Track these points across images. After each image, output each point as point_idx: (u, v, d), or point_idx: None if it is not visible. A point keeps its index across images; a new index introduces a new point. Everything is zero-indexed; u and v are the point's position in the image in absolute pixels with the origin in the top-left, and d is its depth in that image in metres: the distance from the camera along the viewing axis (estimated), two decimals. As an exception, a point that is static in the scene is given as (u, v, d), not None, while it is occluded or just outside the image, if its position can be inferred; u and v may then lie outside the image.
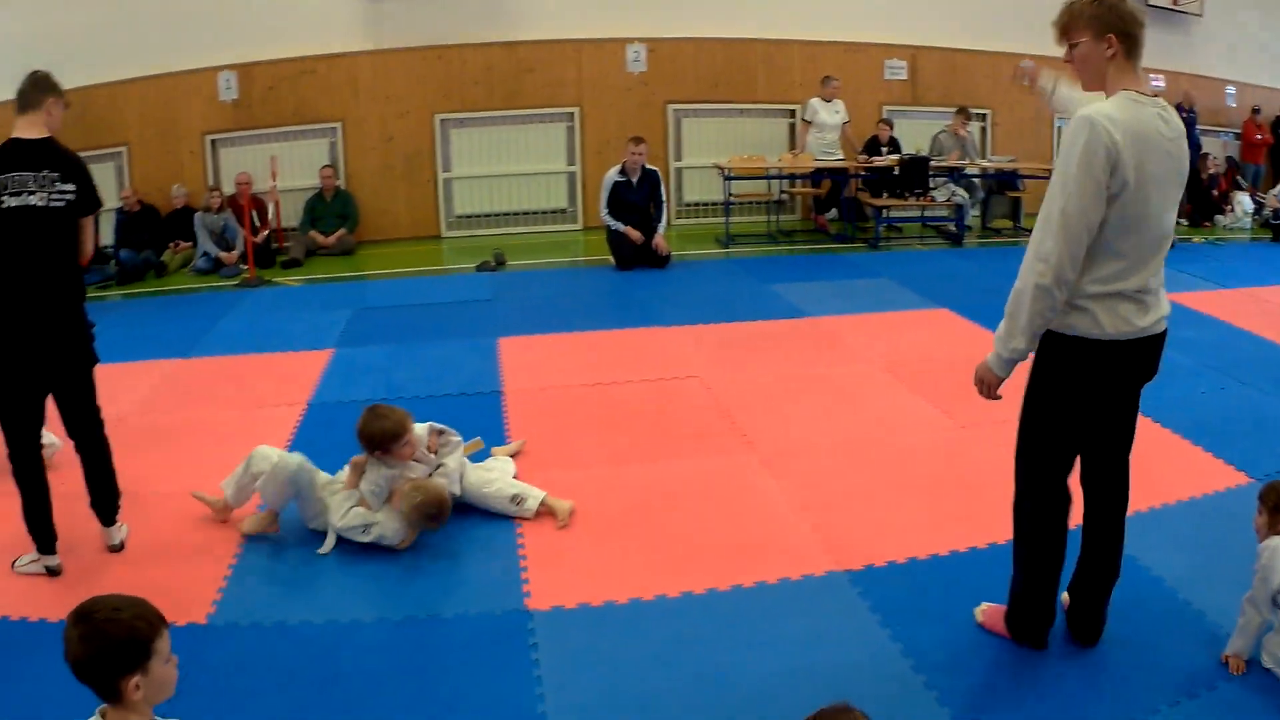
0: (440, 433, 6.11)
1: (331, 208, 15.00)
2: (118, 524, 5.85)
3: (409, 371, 8.88)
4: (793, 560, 5.13)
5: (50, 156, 5.30)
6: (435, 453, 6.05)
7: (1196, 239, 14.92)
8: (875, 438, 6.95)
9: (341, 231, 14.85)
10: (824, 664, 4.55)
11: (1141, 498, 5.77)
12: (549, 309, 10.98)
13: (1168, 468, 6.34)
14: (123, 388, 8.02)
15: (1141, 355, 4.19)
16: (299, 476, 5.79)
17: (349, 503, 5.76)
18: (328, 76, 15.30)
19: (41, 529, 5.49)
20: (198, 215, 14.06)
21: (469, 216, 16.21)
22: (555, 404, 7.86)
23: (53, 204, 5.27)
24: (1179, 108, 16.74)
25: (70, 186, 5.34)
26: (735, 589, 5.17)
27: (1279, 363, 8.71)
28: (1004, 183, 15.74)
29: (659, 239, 13.06)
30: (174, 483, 6.60)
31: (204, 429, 7.55)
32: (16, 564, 5.53)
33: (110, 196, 14.69)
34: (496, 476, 6.13)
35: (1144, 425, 6.79)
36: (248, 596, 5.29)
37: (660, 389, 8.21)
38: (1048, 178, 13.76)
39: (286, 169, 15.08)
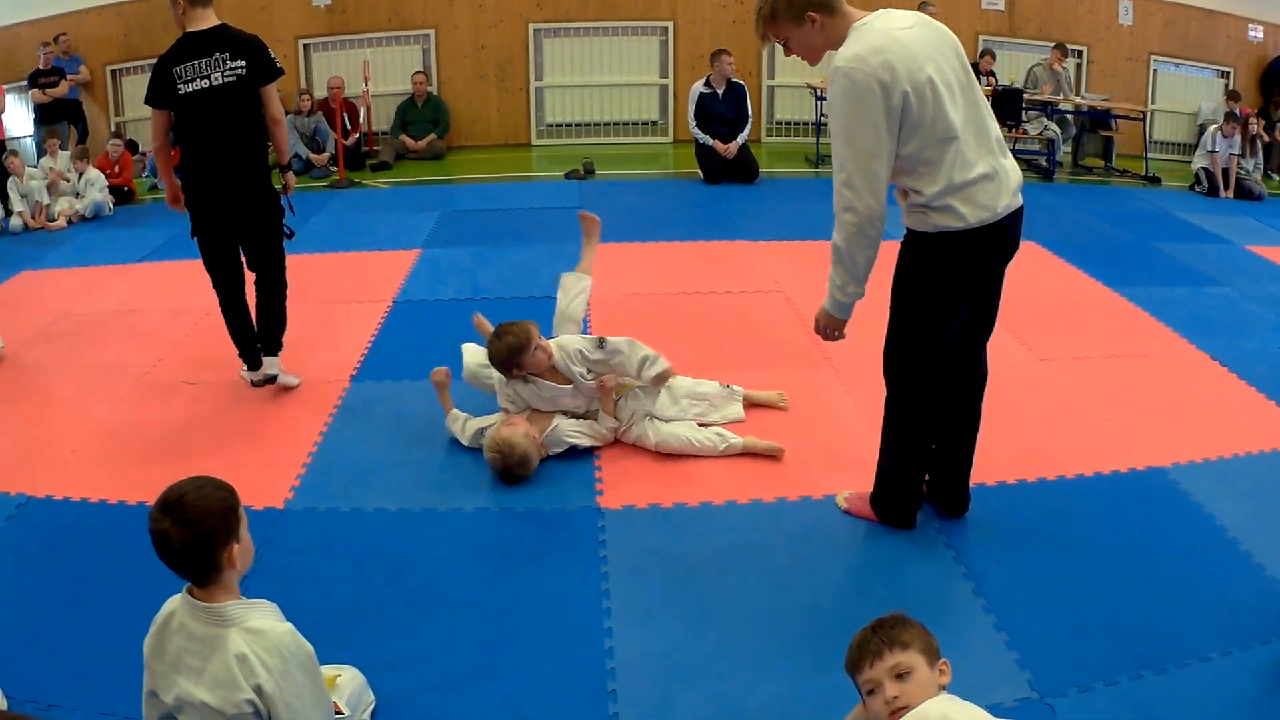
0: (600, 345, 5.74)
1: (423, 113, 15.09)
2: (279, 361, 6.65)
3: (494, 273, 8.94)
4: (863, 476, 5.10)
5: (219, 40, 5.99)
6: (612, 390, 5.76)
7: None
8: (952, 361, 6.85)
9: (432, 136, 14.97)
10: (886, 579, 4.60)
11: (1211, 446, 5.81)
12: (636, 219, 10.92)
13: (1240, 419, 6.24)
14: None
15: (1003, 235, 4.34)
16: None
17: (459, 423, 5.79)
18: (422, -17, 15.34)
19: (242, 346, 6.55)
20: (289, 117, 14.16)
21: (559, 125, 16.23)
22: (638, 311, 7.88)
23: (226, 80, 5.99)
24: (1278, 61, 16.42)
25: (240, 63, 6.02)
26: (804, 499, 5.21)
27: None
28: (1097, 121, 15.43)
29: (731, 145, 12.91)
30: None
31: (291, 322, 7.64)
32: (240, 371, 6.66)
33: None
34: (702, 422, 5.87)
35: (1219, 375, 6.89)
36: (325, 483, 5.41)
37: (742, 301, 8.21)
38: (1141, 118, 13.51)
39: (379, 74, 15.26)
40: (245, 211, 6.31)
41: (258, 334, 6.60)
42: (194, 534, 2.85)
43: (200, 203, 6.20)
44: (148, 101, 6.06)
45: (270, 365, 6.57)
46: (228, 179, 6.18)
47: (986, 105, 4.32)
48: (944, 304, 4.40)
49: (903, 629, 3.07)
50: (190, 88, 5.94)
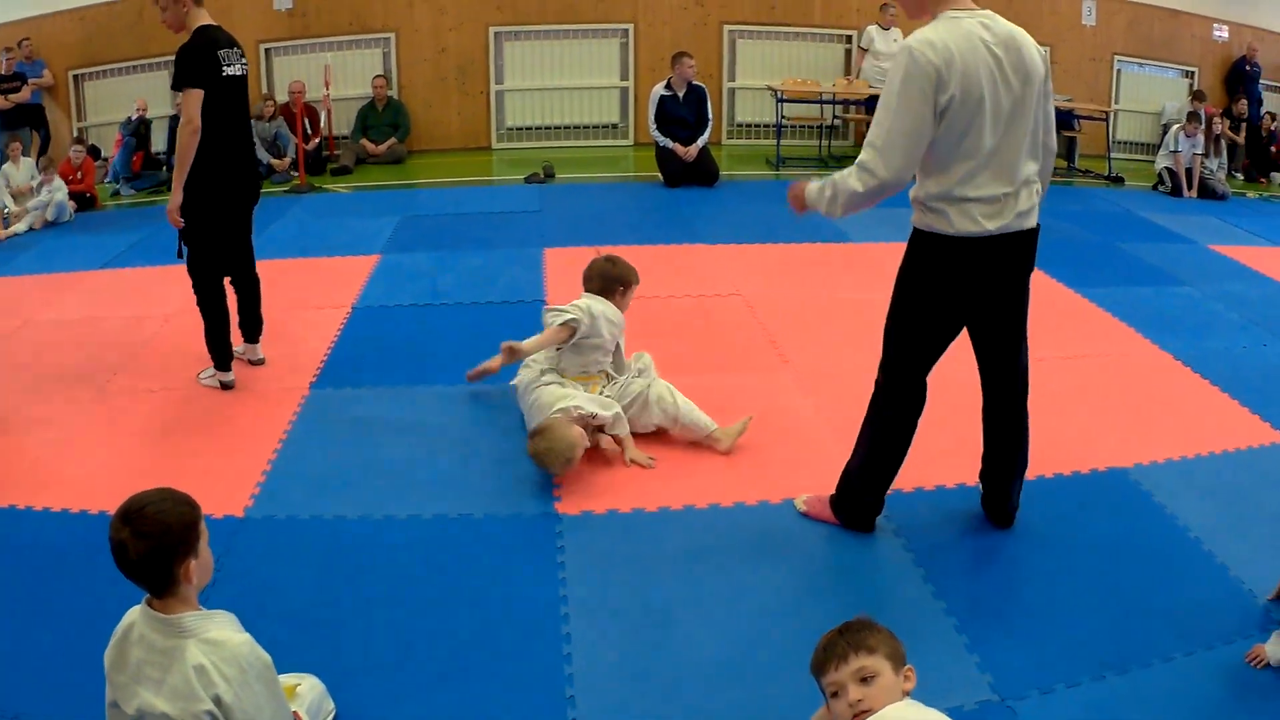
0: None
1: (383, 117, 15.03)
2: (259, 345, 7.07)
3: (454, 278, 8.91)
4: (821, 480, 5.08)
5: (228, 35, 6.45)
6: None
7: (1251, 194, 14.61)
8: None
9: (392, 140, 14.92)
10: (846, 583, 4.60)
11: (1174, 446, 5.82)
12: (595, 222, 10.92)
13: (1203, 418, 6.28)
14: (175, 289, 8.07)
15: (1004, 251, 4.31)
16: None
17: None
18: (383, -14, 15.27)
19: (222, 350, 6.59)
20: (250, 122, 14.08)
21: (520, 129, 16.18)
22: (597, 315, 7.85)
23: (243, 71, 6.48)
24: (1243, 60, 16.47)
25: (244, 59, 6.54)
26: (762, 504, 5.19)
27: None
28: (1059, 121, 15.47)
29: (691, 148, 12.90)
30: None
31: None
32: (201, 376, 6.71)
33: (163, 104, 14.60)
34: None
35: (1182, 374, 6.91)
36: (285, 491, 5.36)
37: (702, 305, 8.20)
38: (1104, 119, 13.55)
39: (340, 78, 15.12)
40: (251, 197, 6.72)
41: (243, 325, 6.91)
42: (151, 546, 2.82)
43: (222, 188, 6.40)
44: (191, 83, 6.12)
45: (257, 351, 7.02)
46: (244, 162, 6.61)
47: (1039, 139, 4.33)
48: (925, 302, 4.44)
49: (869, 633, 3.07)
50: (229, 70, 6.28)
